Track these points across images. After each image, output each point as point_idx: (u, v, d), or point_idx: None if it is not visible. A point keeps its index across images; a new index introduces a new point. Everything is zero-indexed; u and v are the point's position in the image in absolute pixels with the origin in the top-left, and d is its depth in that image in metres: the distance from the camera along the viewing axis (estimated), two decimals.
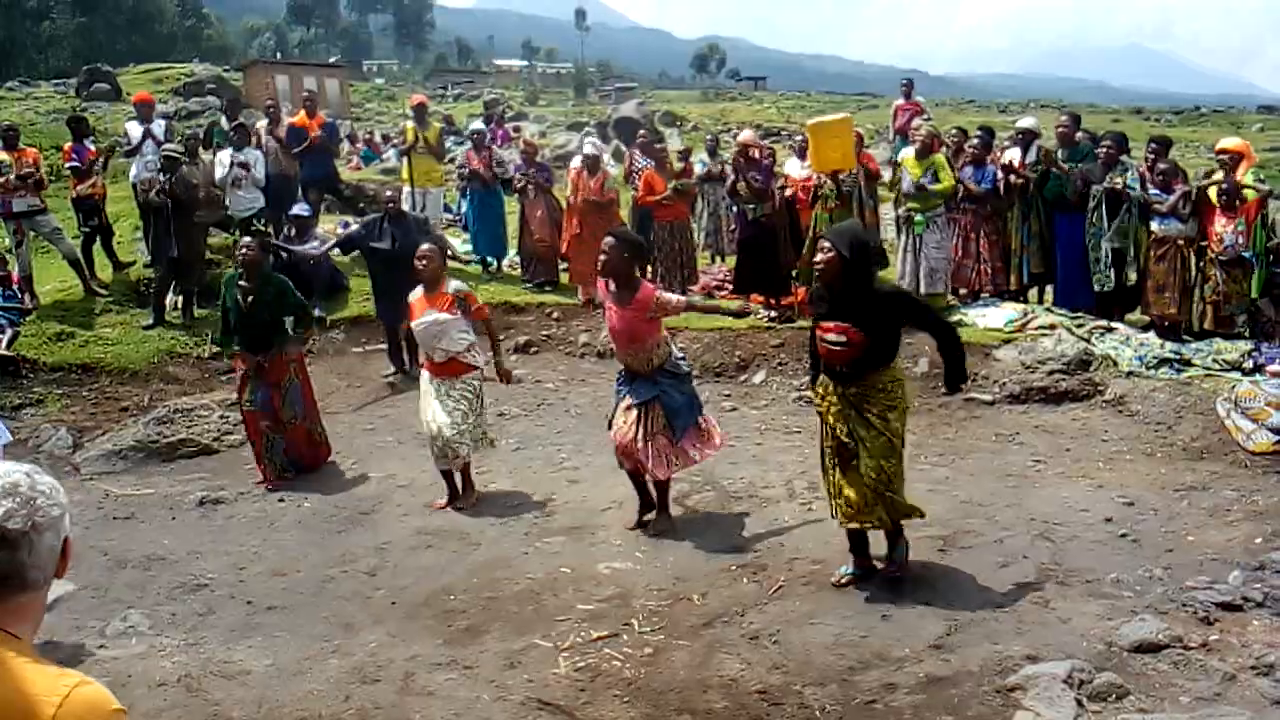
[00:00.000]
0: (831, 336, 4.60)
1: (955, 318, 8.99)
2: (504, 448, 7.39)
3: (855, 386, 4.65)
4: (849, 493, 4.76)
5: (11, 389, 8.54)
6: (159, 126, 11.19)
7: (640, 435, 5.49)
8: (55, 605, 4.96)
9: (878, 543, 4.99)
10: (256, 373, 6.90)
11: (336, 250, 9.93)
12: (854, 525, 4.82)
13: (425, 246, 6.37)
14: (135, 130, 11.15)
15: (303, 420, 7.10)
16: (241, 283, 6.88)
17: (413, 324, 6.27)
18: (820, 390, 4.87)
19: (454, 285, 6.33)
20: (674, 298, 5.74)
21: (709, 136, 14.92)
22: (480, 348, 6.42)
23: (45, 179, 10.42)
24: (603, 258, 5.47)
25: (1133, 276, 8.67)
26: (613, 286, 5.53)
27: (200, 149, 11.62)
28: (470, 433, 6.25)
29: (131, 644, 4.74)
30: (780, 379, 8.67)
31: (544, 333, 10.19)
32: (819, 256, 4.70)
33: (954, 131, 10.63)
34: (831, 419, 4.76)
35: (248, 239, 7.09)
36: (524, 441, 7.60)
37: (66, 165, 10.91)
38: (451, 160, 15.54)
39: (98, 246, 10.89)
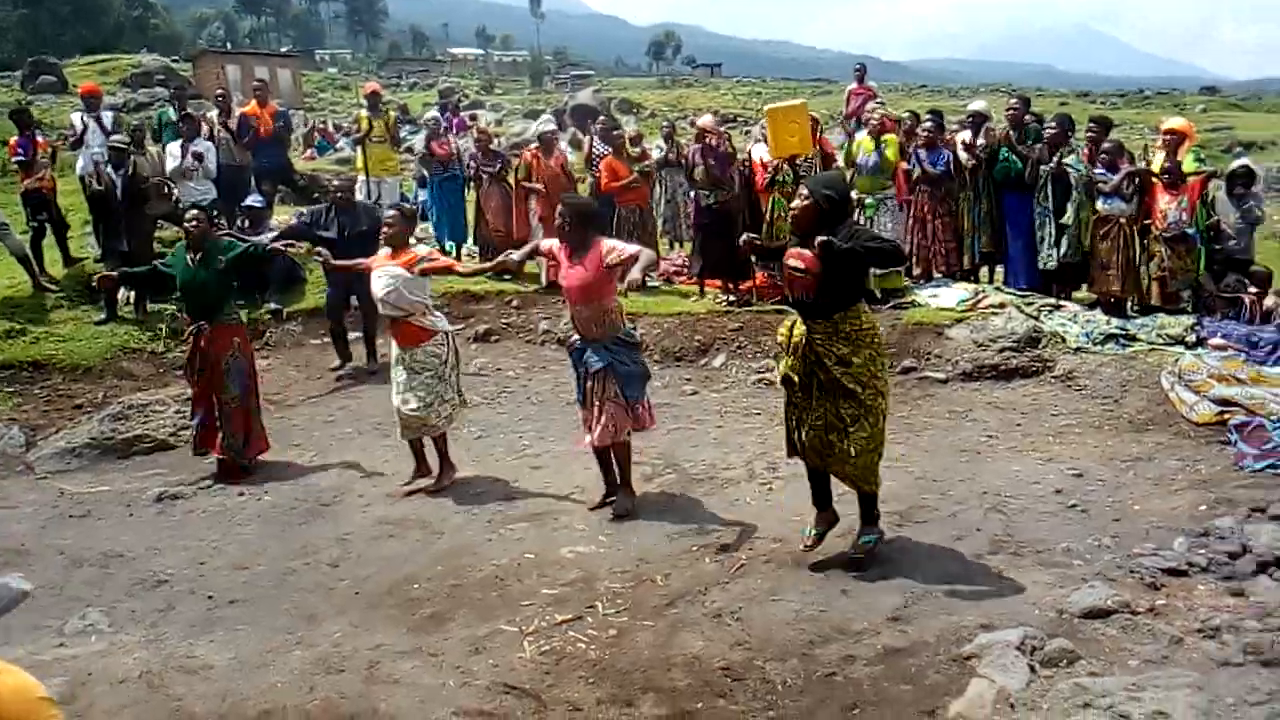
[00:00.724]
0: (792, 262, 4.61)
1: (909, 298, 9.14)
2: (466, 435, 7.38)
3: (819, 327, 4.64)
4: (803, 433, 4.80)
5: None
6: (106, 117, 10.97)
7: (595, 402, 5.59)
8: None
9: (846, 510, 5.06)
10: (199, 344, 6.76)
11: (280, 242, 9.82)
12: (812, 463, 4.87)
13: (389, 212, 6.52)
14: (80, 121, 10.92)
15: (242, 404, 6.89)
16: (191, 255, 6.76)
17: (372, 276, 6.31)
18: (784, 325, 4.89)
19: (422, 249, 6.46)
20: (629, 246, 5.68)
21: (665, 123, 14.93)
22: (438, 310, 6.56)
23: None
24: (560, 218, 5.61)
25: (1071, 256, 8.83)
26: (565, 253, 5.61)
27: (147, 139, 11.42)
28: (439, 404, 6.26)
29: (91, 642, 4.68)
30: (740, 362, 8.74)
31: (504, 320, 10.17)
32: (795, 203, 4.74)
33: (907, 115, 10.76)
34: (791, 355, 4.75)
35: (194, 210, 6.96)
36: (486, 429, 7.60)
37: (12, 159, 10.67)
38: (408, 150, 15.42)
39: (49, 241, 10.67)
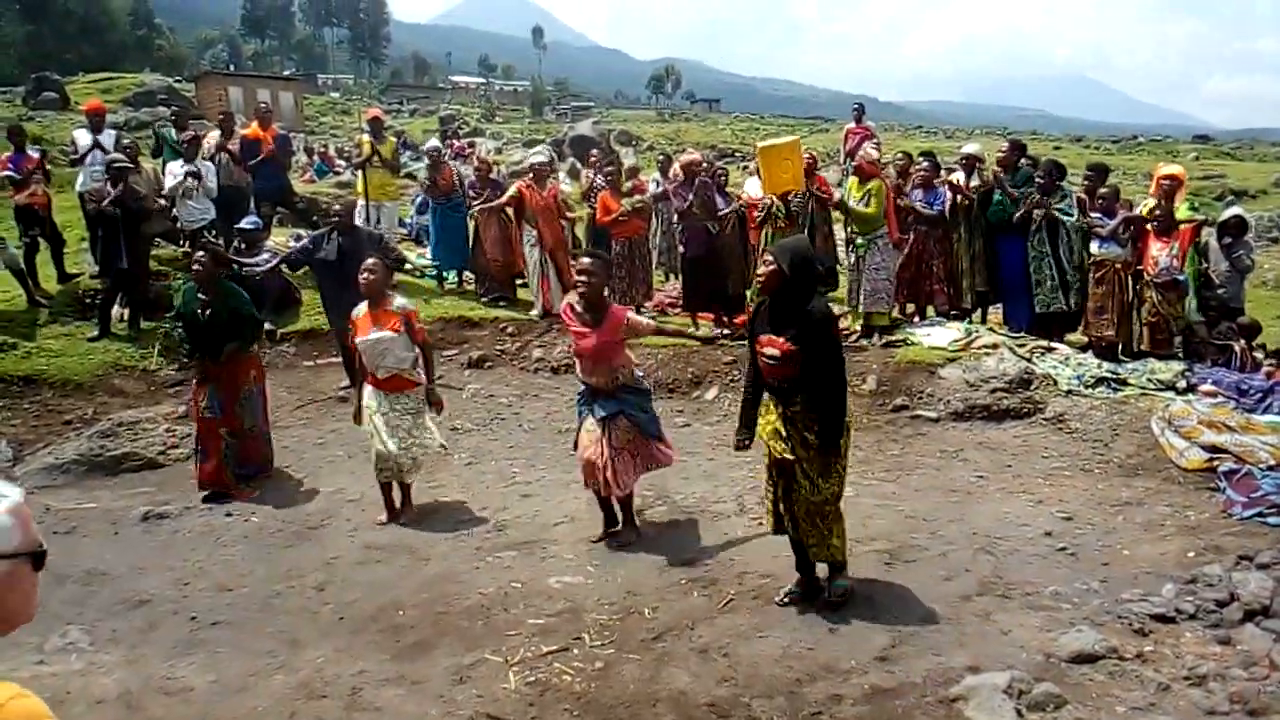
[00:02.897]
0: (768, 351, 4.64)
1: (901, 336, 9.18)
2: (456, 462, 7.37)
3: (795, 404, 4.67)
4: (788, 509, 4.83)
5: None
6: (108, 137, 11.00)
7: (605, 450, 5.53)
8: None
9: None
10: (212, 379, 6.83)
11: (281, 269, 9.84)
12: (792, 535, 4.88)
13: (370, 260, 6.32)
14: (84, 139, 10.95)
15: (259, 429, 7.07)
16: (200, 295, 6.81)
17: (357, 341, 6.24)
18: (763, 408, 4.91)
19: (399, 302, 6.33)
20: (643, 320, 5.83)
21: (662, 156, 15.05)
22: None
23: None
24: (590, 279, 5.45)
25: (1074, 302, 8.93)
26: (580, 308, 5.54)
27: (142, 157, 11.44)
28: (414, 448, 6.26)
29: (71, 661, 4.64)
30: (732, 395, 8.74)
31: (498, 348, 10.18)
32: (760, 269, 4.77)
33: (900, 155, 10.87)
34: (768, 437, 4.78)
35: (200, 253, 6.96)
36: (476, 456, 7.58)
37: (2, 174, 10.71)
38: (408, 176, 15.50)
39: (45, 257, 10.67)
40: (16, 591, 1.63)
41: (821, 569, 5.01)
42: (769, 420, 4.79)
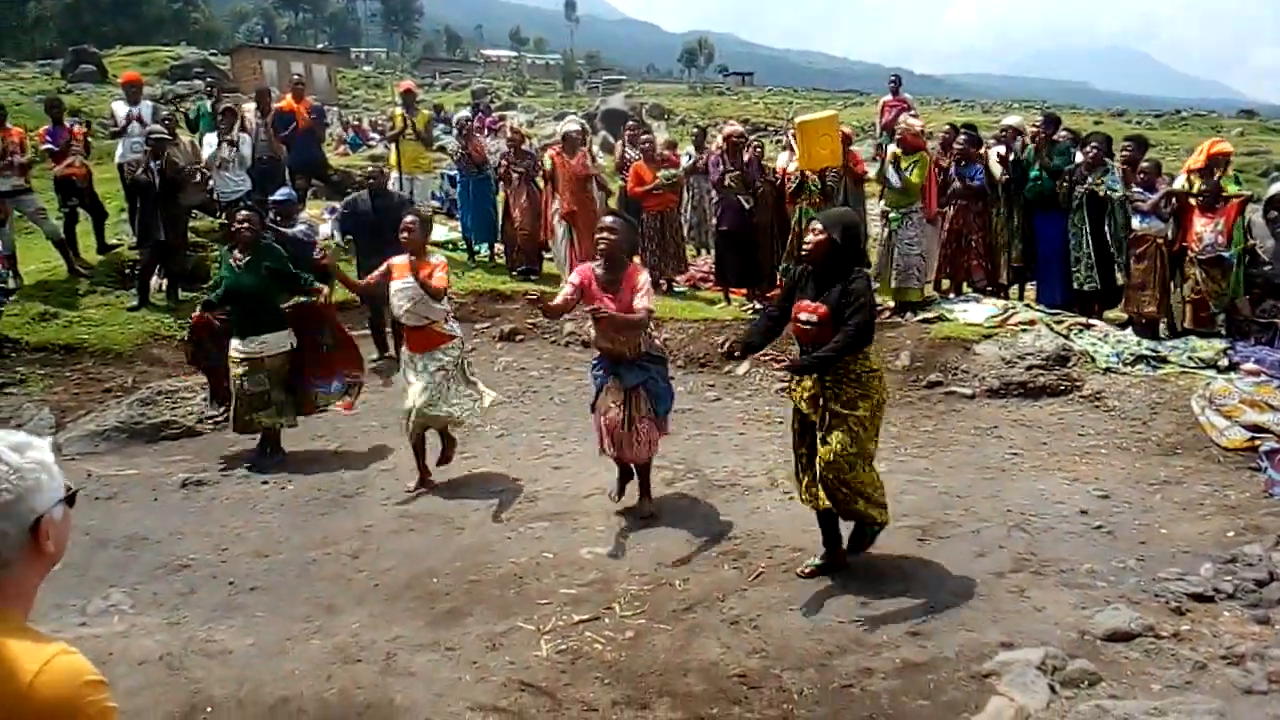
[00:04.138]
0: (803, 315, 4.64)
1: (936, 312, 9.09)
2: (488, 434, 7.42)
3: (828, 372, 4.65)
4: (811, 476, 4.80)
5: None
6: (145, 109, 11.11)
7: (626, 420, 5.54)
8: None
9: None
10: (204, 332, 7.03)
11: (335, 238, 9.97)
12: (819, 506, 4.86)
13: (409, 218, 6.39)
14: (121, 110, 11.07)
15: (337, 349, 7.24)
16: (236, 255, 6.84)
17: (392, 285, 6.27)
18: (794, 383, 4.89)
19: (438, 256, 6.41)
20: (648, 301, 5.47)
21: (695, 129, 14.93)
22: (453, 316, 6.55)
23: (30, 159, 10.35)
24: (610, 238, 5.41)
25: (1120, 278, 8.79)
26: (601, 270, 5.51)
27: (180, 129, 11.54)
28: (445, 402, 6.26)
29: (113, 622, 4.74)
30: (764, 370, 8.70)
31: (529, 321, 10.20)
32: (809, 238, 4.71)
33: (946, 128, 10.71)
34: (799, 401, 4.77)
35: (244, 212, 7.01)
36: (508, 428, 7.63)
37: (42, 146, 10.88)
38: (440, 148, 15.53)
39: (85, 228, 10.82)
40: (67, 531, 1.71)
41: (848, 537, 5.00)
42: (803, 385, 4.77)
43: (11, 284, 9.76)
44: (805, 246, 4.77)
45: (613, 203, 11.80)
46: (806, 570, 4.95)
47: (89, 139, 11.40)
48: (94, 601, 4.93)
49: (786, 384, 5.08)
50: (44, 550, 1.62)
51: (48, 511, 1.61)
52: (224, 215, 10.88)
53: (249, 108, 11.86)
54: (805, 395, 4.75)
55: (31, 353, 8.85)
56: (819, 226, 4.64)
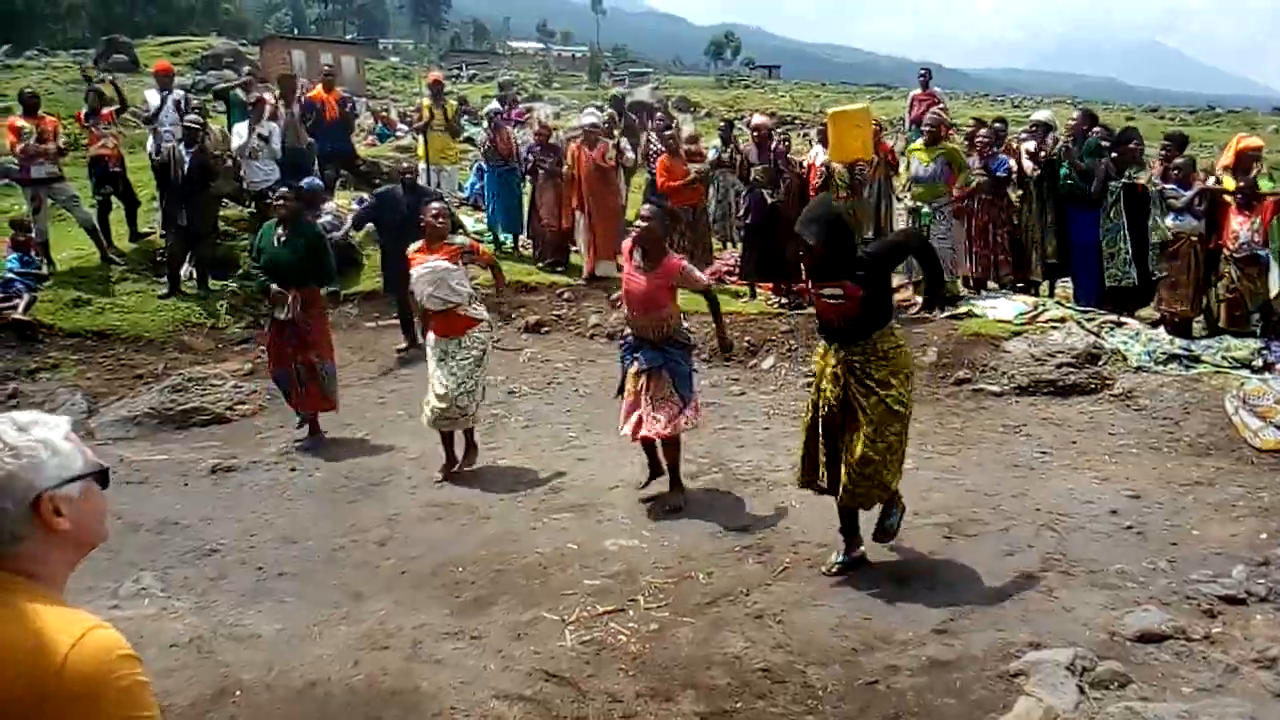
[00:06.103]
0: (829, 290, 4.63)
1: (965, 308, 9.01)
2: (513, 425, 7.44)
3: (857, 350, 4.63)
4: (835, 466, 4.77)
5: (28, 354, 8.63)
6: (178, 96, 11.19)
7: (646, 399, 5.60)
8: None
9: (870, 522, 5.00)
10: (287, 327, 7.04)
11: (351, 232, 10.02)
12: (843, 503, 4.83)
13: (436, 205, 6.49)
14: (154, 98, 11.17)
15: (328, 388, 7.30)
16: (279, 231, 6.97)
17: (413, 271, 6.29)
18: (819, 353, 4.89)
19: (459, 239, 6.50)
20: (700, 275, 5.84)
21: (722, 123, 14.85)
22: (479, 300, 6.56)
23: (63, 147, 10.46)
24: (648, 223, 5.54)
25: (1156, 273, 8.68)
26: (638, 255, 5.61)
27: (211, 119, 11.64)
28: (479, 392, 6.33)
29: (144, 605, 4.81)
30: (789, 365, 8.69)
31: (555, 313, 10.22)
32: (801, 252, 4.79)
33: (971, 122, 10.61)
34: (827, 382, 4.73)
35: (285, 189, 7.25)
36: (533, 419, 7.65)
37: (79, 123, 11.03)
38: (467, 140, 15.56)
39: (118, 215, 10.94)
40: (95, 509, 1.69)
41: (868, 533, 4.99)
42: (827, 363, 4.75)
43: (45, 270, 9.90)
44: (801, 254, 4.82)
45: (637, 196, 11.78)
46: (832, 569, 4.93)
47: (121, 111, 11.49)
48: (125, 584, 5.00)
49: (812, 373, 5.06)
50: (55, 527, 1.59)
51: (53, 489, 1.59)
52: (253, 204, 10.97)
53: (268, 96, 11.91)
54: (830, 372, 4.71)
55: (65, 338, 8.99)
56: (805, 239, 4.62)
